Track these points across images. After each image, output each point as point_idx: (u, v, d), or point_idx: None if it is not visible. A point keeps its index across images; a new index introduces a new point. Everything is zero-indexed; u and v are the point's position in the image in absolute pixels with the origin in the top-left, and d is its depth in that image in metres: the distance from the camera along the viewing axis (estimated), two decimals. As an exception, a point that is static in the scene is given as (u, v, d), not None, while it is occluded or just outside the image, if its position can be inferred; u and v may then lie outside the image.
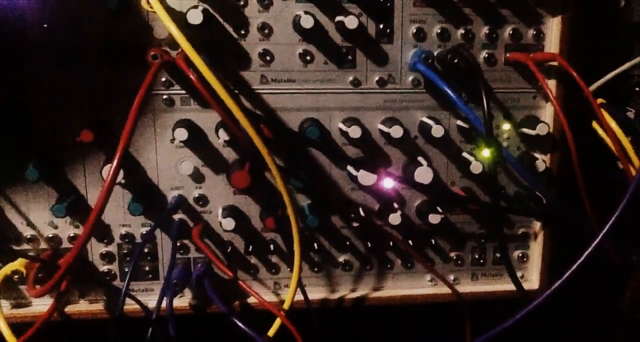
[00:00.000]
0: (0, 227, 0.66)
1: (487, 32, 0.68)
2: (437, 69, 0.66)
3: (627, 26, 0.77)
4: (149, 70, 0.59)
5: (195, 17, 0.59)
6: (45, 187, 0.66)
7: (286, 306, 0.65)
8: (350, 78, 0.67)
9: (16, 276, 0.65)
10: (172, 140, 0.67)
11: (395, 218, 0.68)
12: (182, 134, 0.63)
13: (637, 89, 0.81)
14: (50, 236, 0.68)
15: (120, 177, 0.63)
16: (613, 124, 0.72)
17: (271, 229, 0.69)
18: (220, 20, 0.64)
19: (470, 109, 0.65)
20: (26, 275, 0.65)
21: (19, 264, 0.64)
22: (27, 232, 0.67)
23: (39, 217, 0.67)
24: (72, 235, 0.68)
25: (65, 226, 0.68)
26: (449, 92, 0.63)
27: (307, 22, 0.62)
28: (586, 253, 0.56)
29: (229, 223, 0.65)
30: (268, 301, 0.68)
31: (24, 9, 0.62)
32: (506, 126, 0.71)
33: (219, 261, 0.67)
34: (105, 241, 0.69)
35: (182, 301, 0.70)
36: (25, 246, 0.67)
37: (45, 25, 0.62)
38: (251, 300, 0.70)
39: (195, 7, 0.60)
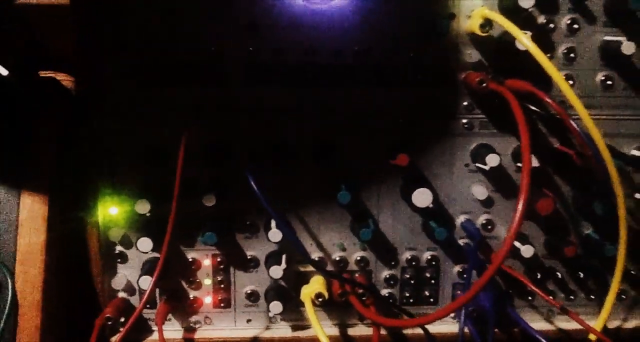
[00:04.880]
0: (292, 248, 0.69)
1: None
2: None
3: None
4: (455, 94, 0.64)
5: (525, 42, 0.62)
6: (343, 209, 0.69)
7: (599, 327, 0.66)
8: (647, 105, 0.70)
9: (320, 299, 0.67)
10: (467, 164, 0.70)
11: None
12: (494, 159, 0.66)
13: None
14: (338, 258, 0.71)
15: (429, 202, 0.66)
16: None
17: (567, 257, 0.70)
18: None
19: None
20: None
21: (321, 285, 0.67)
22: (316, 253, 0.71)
23: (329, 239, 0.70)
24: (358, 258, 0.71)
25: (353, 249, 0.71)
26: None
27: (628, 49, 0.65)
28: None
29: (528, 250, 0.68)
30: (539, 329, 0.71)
31: (343, 28, 0.65)
32: None
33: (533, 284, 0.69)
34: (393, 263, 0.72)
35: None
36: (310, 268, 0.71)
37: (356, 48, 0.66)
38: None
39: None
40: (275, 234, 0.66)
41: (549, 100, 0.60)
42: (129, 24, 0.63)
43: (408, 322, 0.65)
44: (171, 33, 0.64)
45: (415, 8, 0.65)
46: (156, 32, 0.63)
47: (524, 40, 0.58)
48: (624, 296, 0.75)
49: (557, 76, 0.57)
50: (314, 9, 0.64)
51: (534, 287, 0.68)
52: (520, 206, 0.50)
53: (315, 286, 0.68)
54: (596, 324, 0.67)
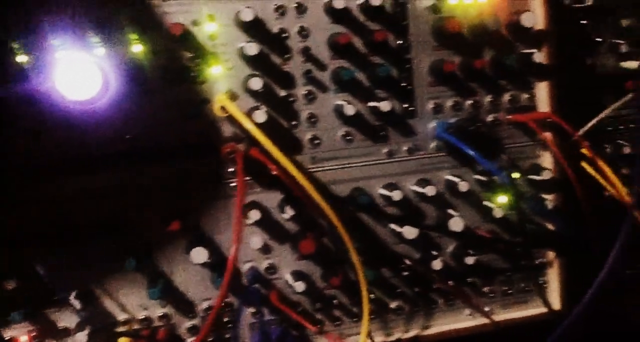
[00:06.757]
0: (97, 314, 0.82)
1: (490, 99, 0.90)
2: (458, 135, 0.87)
3: (600, 78, 1.01)
4: (220, 164, 0.79)
5: (260, 117, 0.78)
6: (136, 273, 0.82)
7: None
8: (385, 150, 0.87)
9: (124, 356, 0.80)
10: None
11: (437, 264, 0.87)
12: (255, 215, 0.81)
13: (609, 128, 1.04)
14: (142, 317, 0.83)
15: (206, 258, 0.80)
16: (600, 161, 0.95)
17: (335, 287, 0.86)
18: (276, 116, 0.83)
19: (491, 164, 0.85)
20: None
21: (124, 344, 0.80)
22: (121, 316, 0.83)
23: (131, 301, 0.83)
24: (160, 314, 0.84)
25: (155, 307, 0.84)
26: (472, 153, 0.84)
27: (349, 110, 0.82)
28: (604, 273, 0.77)
29: (300, 286, 0.83)
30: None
31: (107, 121, 0.79)
32: (516, 175, 0.92)
33: (301, 318, 0.84)
34: (191, 314, 0.85)
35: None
36: (120, 329, 0.83)
37: (127, 136, 0.80)
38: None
39: (258, 108, 0.79)
40: (76, 304, 0.78)
41: (270, 165, 0.75)
42: None
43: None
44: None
45: (175, 97, 0.80)
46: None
47: (246, 123, 0.74)
48: (399, 312, 0.91)
49: (269, 145, 0.74)
50: (84, 109, 0.78)
51: (294, 315, 0.83)
52: (233, 251, 0.65)
53: (123, 343, 0.80)
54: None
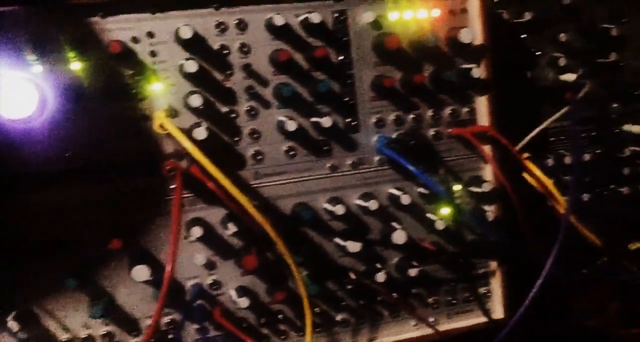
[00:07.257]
0: (37, 335, 0.81)
1: (432, 114, 0.92)
2: (398, 149, 0.89)
3: (540, 91, 1.04)
4: (163, 181, 0.79)
5: (201, 134, 0.79)
6: (77, 292, 0.82)
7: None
8: (329, 165, 0.89)
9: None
10: (185, 237, 0.84)
11: (381, 276, 0.89)
12: (197, 231, 0.81)
13: (552, 139, 1.08)
14: (85, 336, 0.83)
15: (147, 275, 0.80)
16: (538, 172, 0.98)
17: (279, 301, 0.87)
18: (218, 132, 0.83)
19: (429, 178, 0.88)
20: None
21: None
22: (63, 336, 0.82)
23: (73, 320, 0.82)
24: (103, 332, 0.83)
25: (98, 325, 0.83)
26: (411, 167, 0.86)
27: (291, 126, 0.83)
28: (540, 280, 0.80)
29: (244, 301, 0.84)
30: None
31: (46, 139, 0.79)
32: (457, 187, 0.94)
33: (243, 334, 0.84)
34: (135, 332, 0.85)
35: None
36: (60, 350, 0.82)
37: (67, 154, 0.80)
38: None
39: (199, 125, 0.80)
40: (14, 325, 0.77)
41: (209, 182, 0.76)
42: None
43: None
44: None
45: (115, 114, 0.80)
46: None
47: (182, 140, 0.75)
48: (345, 324, 0.93)
49: (206, 162, 0.75)
50: (21, 127, 0.77)
51: (237, 332, 0.84)
52: (167, 269, 0.66)
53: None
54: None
